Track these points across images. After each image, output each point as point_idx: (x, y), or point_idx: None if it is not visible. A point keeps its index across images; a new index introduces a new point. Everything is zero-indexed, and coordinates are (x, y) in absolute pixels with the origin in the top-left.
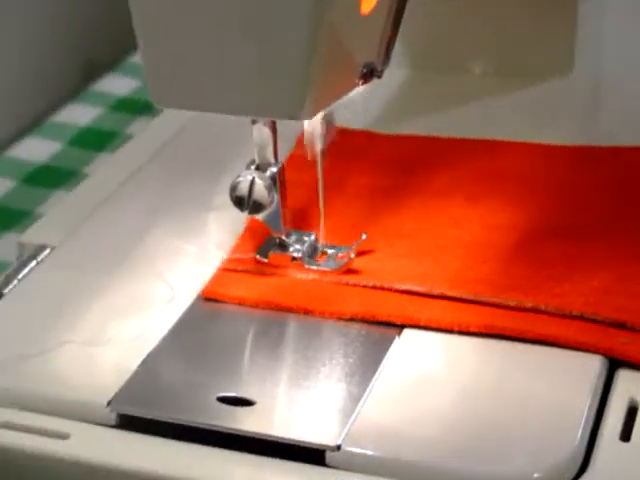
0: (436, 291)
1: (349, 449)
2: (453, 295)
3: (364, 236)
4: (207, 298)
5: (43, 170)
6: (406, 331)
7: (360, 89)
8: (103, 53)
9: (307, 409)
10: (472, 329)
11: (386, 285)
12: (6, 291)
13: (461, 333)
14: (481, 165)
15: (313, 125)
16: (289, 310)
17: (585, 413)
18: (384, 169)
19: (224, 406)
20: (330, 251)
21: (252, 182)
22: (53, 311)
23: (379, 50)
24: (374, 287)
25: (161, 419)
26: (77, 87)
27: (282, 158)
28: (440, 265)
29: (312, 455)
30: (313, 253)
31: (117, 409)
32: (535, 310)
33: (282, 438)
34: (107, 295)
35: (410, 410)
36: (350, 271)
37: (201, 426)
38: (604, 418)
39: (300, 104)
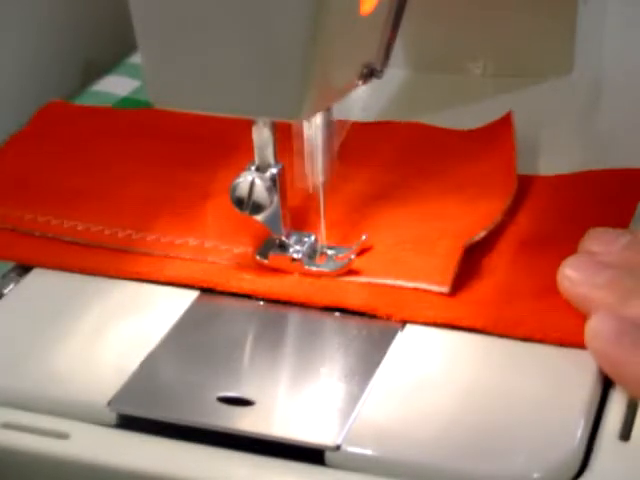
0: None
1: (348, 449)
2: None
3: (364, 237)
4: None
5: None
6: (406, 330)
7: (360, 89)
8: (103, 53)
9: (307, 409)
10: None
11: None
12: (6, 291)
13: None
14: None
15: (312, 125)
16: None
17: (584, 413)
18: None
19: (224, 406)
20: (330, 252)
21: (252, 183)
22: (53, 310)
23: (379, 50)
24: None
25: (161, 419)
26: (77, 87)
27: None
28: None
29: (311, 455)
30: (313, 254)
31: (117, 409)
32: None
33: (282, 438)
34: (107, 294)
35: (410, 410)
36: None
37: (201, 426)
38: (603, 418)
39: (300, 104)
